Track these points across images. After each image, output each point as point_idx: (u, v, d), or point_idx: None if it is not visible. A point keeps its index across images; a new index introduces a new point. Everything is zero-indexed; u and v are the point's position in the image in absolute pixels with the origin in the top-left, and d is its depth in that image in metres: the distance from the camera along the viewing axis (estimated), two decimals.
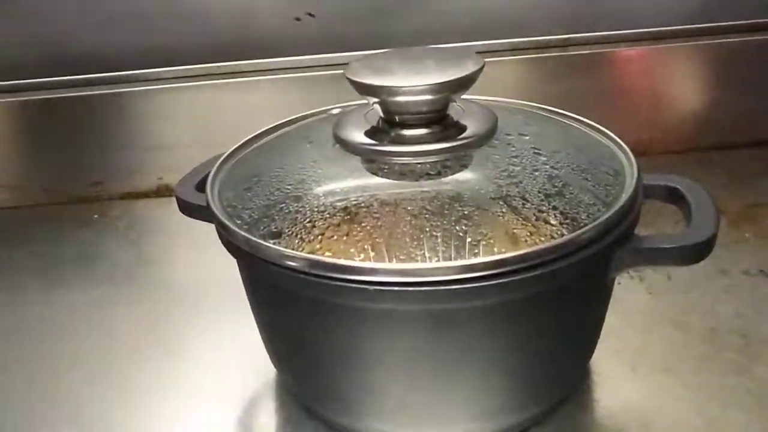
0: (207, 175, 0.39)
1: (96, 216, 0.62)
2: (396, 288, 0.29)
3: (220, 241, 0.35)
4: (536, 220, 0.32)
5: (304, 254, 0.31)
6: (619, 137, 0.39)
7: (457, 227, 0.31)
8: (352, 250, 0.31)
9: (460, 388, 0.33)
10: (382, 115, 0.37)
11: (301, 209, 0.34)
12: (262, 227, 0.33)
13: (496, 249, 0.31)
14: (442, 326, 0.31)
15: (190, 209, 0.39)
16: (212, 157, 0.41)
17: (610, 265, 0.33)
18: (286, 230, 0.33)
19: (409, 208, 0.32)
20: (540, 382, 0.35)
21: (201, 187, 0.39)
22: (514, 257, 0.30)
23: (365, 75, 0.36)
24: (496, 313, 0.31)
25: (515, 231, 0.31)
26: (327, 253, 0.31)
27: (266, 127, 0.43)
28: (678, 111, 0.65)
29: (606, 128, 0.40)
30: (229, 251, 0.35)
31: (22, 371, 0.44)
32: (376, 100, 0.36)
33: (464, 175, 0.35)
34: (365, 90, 0.36)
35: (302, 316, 0.33)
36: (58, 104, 0.62)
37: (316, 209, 0.33)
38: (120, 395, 0.42)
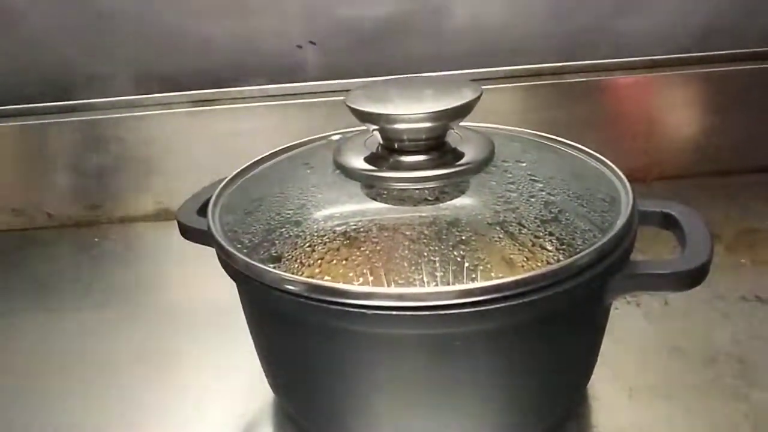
0: (208, 200, 0.39)
1: (96, 239, 0.62)
2: (394, 312, 0.30)
3: (219, 265, 0.36)
4: (533, 245, 0.32)
5: (303, 278, 0.31)
6: (616, 164, 0.39)
7: (455, 252, 0.32)
8: (351, 274, 0.32)
9: (457, 413, 0.33)
10: (381, 141, 0.38)
11: (301, 234, 0.34)
12: (262, 251, 0.34)
13: (493, 274, 0.31)
14: (439, 351, 0.32)
15: (191, 234, 0.39)
16: (213, 182, 0.42)
17: (606, 290, 0.33)
18: (286, 254, 0.33)
19: (407, 233, 0.33)
20: (536, 407, 0.35)
21: (202, 211, 0.39)
22: (511, 282, 0.30)
23: (365, 103, 0.36)
24: (493, 338, 0.32)
25: (512, 256, 0.32)
26: (326, 278, 0.32)
27: (267, 153, 0.43)
28: (674, 138, 0.66)
29: (602, 155, 0.40)
30: (229, 275, 0.35)
31: (18, 395, 0.44)
32: (375, 127, 0.37)
33: (462, 201, 0.35)
34: (365, 117, 0.36)
35: (301, 340, 0.34)
36: (59, 129, 0.63)
37: (315, 234, 0.34)
38: (118, 420, 0.42)
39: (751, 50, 0.64)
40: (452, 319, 0.30)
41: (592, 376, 0.39)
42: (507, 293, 0.30)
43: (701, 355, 0.43)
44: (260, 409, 0.41)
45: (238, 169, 0.42)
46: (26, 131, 0.63)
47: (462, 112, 0.36)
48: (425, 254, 0.32)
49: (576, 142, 0.42)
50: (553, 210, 0.34)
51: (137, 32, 0.63)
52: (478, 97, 0.36)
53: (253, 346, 0.39)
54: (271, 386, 0.40)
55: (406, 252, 0.32)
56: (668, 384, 0.41)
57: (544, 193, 0.35)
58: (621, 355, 0.43)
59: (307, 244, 0.33)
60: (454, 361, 0.32)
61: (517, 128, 0.44)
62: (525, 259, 0.31)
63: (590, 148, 0.41)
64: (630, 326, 0.46)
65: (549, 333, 0.33)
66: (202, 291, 0.52)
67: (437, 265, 0.31)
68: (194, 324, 0.50)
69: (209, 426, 0.41)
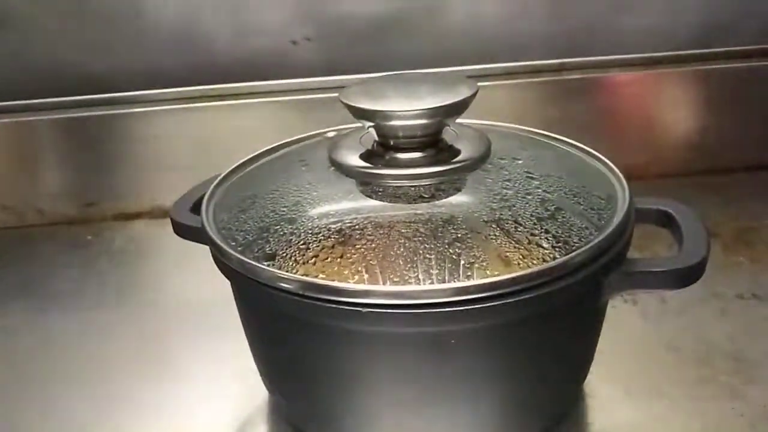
0: (202, 197, 0.39)
1: (89, 237, 0.62)
2: (389, 311, 0.30)
3: (214, 262, 0.35)
4: (528, 243, 0.32)
5: (297, 276, 0.31)
6: (613, 161, 0.39)
7: (450, 250, 0.31)
8: (345, 272, 0.31)
9: (453, 411, 0.33)
10: (377, 138, 0.37)
11: (295, 231, 0.34)
12: (256, 249, 0.34)
13: (488, 272, 0.31)
14: (434, 349, 0.31)
15: (185, 231, 0.39)
16: (207, 179, 0.41)
17: (602, 288, 0.33)
18: (280, 252, 0.33)
19: (402, 230, 0.32)
20: (533, 406, 0.35)
21: (196, 209, 0.39)
22: (506, 280, 0.30)
23: (360, 99, 0.36)
24: (488, 336, 0.31)
25: (508, 254, 0.31)
26: (321, 276, 0.31)
27: (261, 150, 0.43)
28: (672, 135, 0.66)
29: (599, 152, 0.40)
30: (223, 273, 0.35)
31: (12, 393, 0.44)
32: (371, 124, 0.36)
33: (458, 199, 0.35)
34: (360, 114, 0.36)
35: (295, 337, 0.33)
36: (53, 125, 0.63)
37: (310, 231, 0.33)
38: (112, 419, 0.41)
39: (749, 47, 0.64)
40: (448, 317, 0.30)
41: (589, 375, 0.39)
42: (503, 291, 0.30)
43: (697, 353, 0.43)
44: (255, 408, 0.41)
45: (232, 167, 0.41)
46: (19, 127, 0.63)
47: (458, 108, 0.36)
48: (421, 252, 0.31)
49: (573, 140, 0.42)
50: (549, 207, 0.34)
51: (132, 29, 0.63)
52: (474, 94, 0.36)
53: (248, 344, 0.38)
54: (265, 385, 0.39)
55: (402, 250, 0.32)
56: (664, 382, 0.41)
57: (540, 190, 0.35)
58: (618, 353, 0.43)
59: (302, 242, 0.33)
60: (449, 360, 0.32)
61: (513, 125, 0.44)
62: (521, 256, 0.31)
63: (588, 146, 0.41)
64: (627, 324, 0.46)
65: (545, 331, 0.33)
66: (197, 289, 0.52)
67: (433, 262, 0.31)
68: (189, 322, 0.49)
69: (203, 425, 0.41)
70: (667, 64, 0.64)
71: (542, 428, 0.37)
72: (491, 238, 0.32)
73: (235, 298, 0.37)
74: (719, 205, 0.59)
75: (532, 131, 0.43)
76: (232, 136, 0.62)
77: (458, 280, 0.30)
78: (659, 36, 0.65)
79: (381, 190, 0.36)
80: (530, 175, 0.36)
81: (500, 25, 0.64)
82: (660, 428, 0.38)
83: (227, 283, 0.36)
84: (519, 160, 0.38)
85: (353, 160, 0.37)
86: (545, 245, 0.32)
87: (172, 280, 0.56)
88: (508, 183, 0.35)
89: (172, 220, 0.40)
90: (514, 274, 0.30)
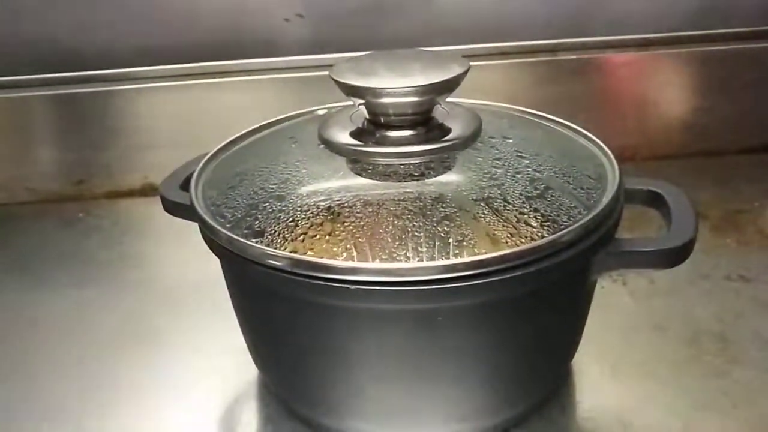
0: (191, 174, 0.38)
1: (80, 215, 0.62)
2: (377, 288, 0.30)
3: (203, 240, 0.35)
4: (517, 221, 0.32)
5: (285, 253, 0.31)
6: (606, 142, 0.39)
7: (439, 228, 0.31)
8: (334, 249, 0.31)
9: (441, 388, 0.34)
10: (367, 116, 0.37)
11: (284, 208, 0.34)
12: (244, 226, 0.33)
13: (477, 250, 0.31)
14: (423, 326, 0.32)
15: (174, 208, 0.39)
16: (197, 156, 0.41)
17: (591, 267, 0.33)
18: (269, 229, 0.33)
19: (391, 208, 0.32)
20: (520, 383, 0.36)
21: (185, 186, 0.39)
22: (494, 258, 0.30)
23: (350, 76, 0.36)
24: (477, 314, 0.32)
25: (496, 232, 0.31)
26: (309, 253, 0.31)
27: (251, 127, 0.43)
28: (665, 117, 0.66)
29: (593, 133, 0.40)
30: (212, 250, 0.35)
31: (1, 370, 0.44)
32: (361, 101, 0.36)
33: (447, 177, 0.35)
34: (350, 91, 0.36)
35: (284, 315, 0.33)
36: (44, 101, 0.62)
37: (299, 209, 0.33)
38: (101, 395, 0.41)
39: (745, 29, 0.64)
40: (435, 295, 0.30)
41: (577, 353, 0.39)
42: (491, 269, 0.30)
43: (684, 333, 0.44)
44: (245, 385, 0.41)
45: (222, 144, 0.41)
46: (9, 104, 0.62)
47: (449, 86, 0.36)
48: (409, 230, 0.31)
49: (568, 120, 0.42)
50: (538, 186, 0.34)
51: (124, 5, 0.62)
52: (466, 72, 0.36)
53: (238, 322, 0.38)
54: (255, 362, 0.40)
55: (390, 227, 0.32)
56: (651, 361, 0.42)
57: (530, 169, 0.35)
58: (606, 332, 0.44)
59: (291, 219, 0.33)
60: (437, 337, 0.32)
61: (505, 105, 0.44)
62: (509, 235, 0.31)
63: (582, 127, 0.41)
64: (615, 304, 0.47)
65: (533, 309, 0.33)
66: (187, 267, 0.52)
67: (421, 240, 0.31)
68: (179, 300, 0.49)
69: (193, 402, 0.41)
70: (662, 46, 0.64)
71: (530, 406, 0.37)
72: (480, 217, 0.32)
73: (224, 276, 0.37)
74: (710, 187, 0.60)
75: (523, 111, 0.43)
76: (224, 114, 0.62)
77: (446, 258, 0.30)
78: (655, 17, 0.65)
79: (370, 167, 0.35)
80: (520, 154, 0.36)
81: (495, 5, 0.64)
82: (646, 407, 0.39)
83: (217, 261, 0.36)
84: (509, 139, 0.38)
85: (343, 137, 0.37)
86: (534, 224, 0.32)
87: (162, 259, 0.56)
88: (498, 162, 0.35)
89: (161, 196, 0.40)
90: (501, 252, 0.30)
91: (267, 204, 0.34)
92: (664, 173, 0.63)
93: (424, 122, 0.37)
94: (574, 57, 0.64)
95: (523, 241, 0.31)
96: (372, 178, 0.35)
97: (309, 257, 0.31)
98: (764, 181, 0.59)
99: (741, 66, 0.64)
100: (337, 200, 0.33)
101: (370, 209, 0.33)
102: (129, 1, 0.62)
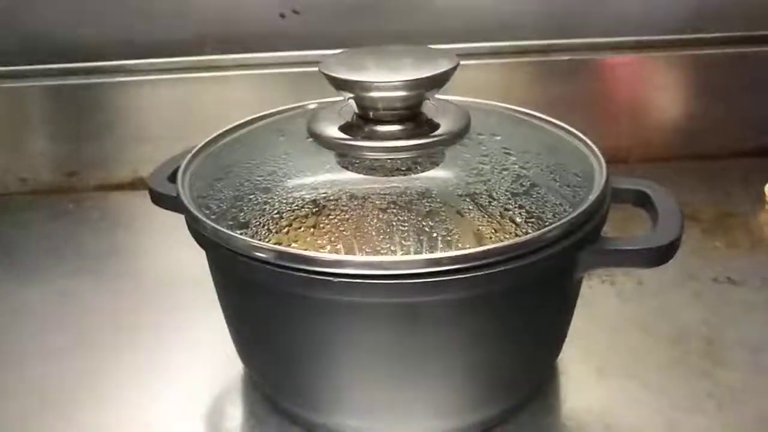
0: (179, 166, 0.38)
1: (70, 206, 0.61)
2: (360, 281, 0.30)
3: (189, 231, 0.35)
4: (501, 218, 0.32)
5: (268, 245, 0.31)
6: (599, 144, 0.39)
7: (424, 222, 0.31)
8: (318, 242, 0.31)
9: (424, 383, 0.33)
10: (356, 110, 0.37)
11: (269, 201, 0.34)
12: (230, 218, 0.33)
13: (460, 245, 0.31)
14: (406, 320, 0.32)
15: (161, 200, 0.39)
16: (186, 149, 0.41)
17: (575, 264, 0.33)
18: (254, 221, 0.33)
19: (377, 202, 0.32)
20: (504, 380, 0.35)
21: (173, 178, 0.39)
22: (478, 253, 0.30)
23: (339, 70, 0.36)
24: (460, 308, 0.32)
25: (480, 228, 0.31)
26: (293, 245, 0.31)
27: (241, 121, 0.43)
28: (658, 120, 0.66)
29: (584, 134, 0.40)
30: (197, 241, 0.35)
31: None
32: (350, 95, 0.36)
33: (434, 172, 0.35)
34: (339, 84, 0.36)
35: (267, 307, 0.33)
36: (35, 93, 0.62)
37: (284, 201, 0.33)
38: (87, 387, 0.41)
39: (739, 34, 0.64)
40: (418, 288, 0.30)
41: (563, 353, 0.39)
42: (474, 263, 0.30)
43: (670, 334, 0.44)
44: (232, 378, 0.41)
45: (210, 137, 0.41)
46: (4, 94, 0.62)
47: (437, 81, 0.36)
48: (394, 224, 0.31)
49: (559, 120, 0.42)
50: (524, 183, 0.34)
51: None
52: (455, 68, 0.36)
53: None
54: (239, 355, 0.39)
55: (375, 221, 0.32)
56: (636, 362, 0.42)
57: (516, 166, 0.35)
58: (592, 332, 0.44)
59: (276, 211, 0.33)
60: (420, 332, 0.32)
61: (495, 103, 0.44)
62: (493, 231, 0.31)
63: (574, 127, 0.41)
64: (603, 304, 0.47)
65: (517, 306, 0.33)
66: (176, 260, 0.51)
67: (406, 234, 0.31)
68: (167, 293, 0.49)
69: (178, 394, 0.41)
70: (656, 48, 0.64)
71: (513, 404, 0.37)
72: (465, 212, 0.32)
73: (210, 267, 0.37)
74: (702, 190, 0.60)
75: (513, 109, 0.43)
76: (217, 109, 0.62)
77: (429, 252, 0.30)
78: (648, 20, 0.65)
79: (358, 162, 0.35)
80: (507, 151, 0.36)
81: (489, 4, 0.64)
82: (630, 407, 0.39)
83: (205, 255, 0.35)
84: (497, 136, 0.38)
85: (331, 131, 0.37)
86: (518, 220, 0.32)
87: (152, 251, 0.55)
88: (485, 158, 0.35)
89: (149, 188, 0.40)
90: (484, 248, 0.30)
91: (253, 196, 0.34)
92: (656, 175, 0.63)
93: (412, 117, 0.37)
94: (567, 58, 0.64)
95: (507, 237, 0.31)
96: (358, 172, 0.35)
97: (292, 249, 0.31)
98: (756, 185, 0.59)
99: (736, 69, 0.64)
100: (323, 193, 0.33)
101: (356, 203, 0.33)
102: None
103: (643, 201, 0.37)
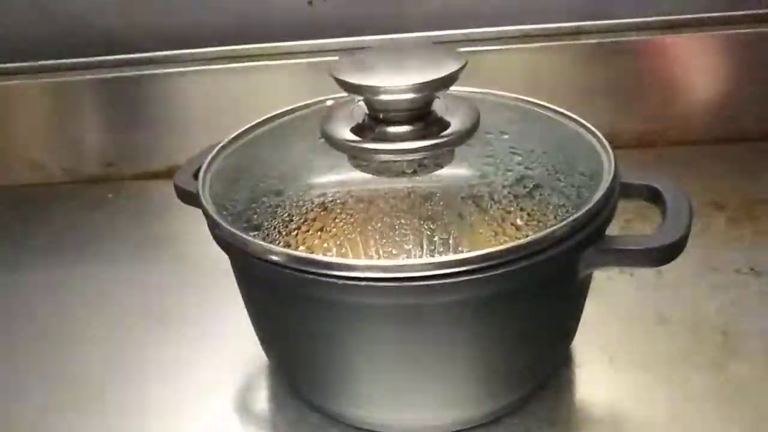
0: (201, 165, 0.40)
1: (110, 195, 0.64)
2: (362, 283, 0.31)
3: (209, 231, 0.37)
4: (503, 220, 0.32)
5: (276, 247, 0.32)
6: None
7: (426, 226, 0.32)
8: (325, 244, 0.33)
9: (430, 379, 0.35)
10: (366, 111, 0.38)
11: (281, 203, 0.35)
12: (245, 219, 0.35)
13: (462, 248, 0.32)
14: (411, 320, 0.33)
15: (186, 197, 0.41)
16: (211, 144, 0.43)
17: (579, 264, 0.33)
18: (266, 223, 0.34)
19: (381, 205, 0.34)
20: (511, 378, 0.36)
21: (197, 175, 0.40)
22: (479, 256, 0.30)
23: (348, 73, 0.36)
24: (464, 309, 0.32)
25: (482, 231, 0.32)
26: (301, 248, 0.33)
27: (263, 117, 0.44)
28: (688, 102, 0.64)
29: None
30: (215, 241, 0.36)
31: (27, 344, 0.47)
32: (360, 97, 0.37)
33: (439, 174, 0.36)
34: (349, 88, 0.37)
35: (279, 306, 0.35)
36: (76, 86, 0.65)
37: (294, 203, 0.35)
38: (116, 375, 0.44)
39: None
40: (421, 291, 0.31)
41: (575, 343, 0.40)
42: (476, 266, 0.30)
43: (686, 325, 0.44)
44: (258, 369, 0.43)
45: (232, 135, 0.43)
46: (44, 88, 0.65)
47: (445, 83, 0.36)
48: (397, 227, 0.32)
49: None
50: (528, 185, 0.34)
51: None
52: (462, 68, 0.36)
53: None
54: (261, 345, 0.41)
55: (380, 224, 0.33)
56: (650, 353, 0.42)
57: (521, 167, 0.36)
58: (607, 322, 0.44)
59: (286, 214, 0.34)
60: (426, 331, 0.33)
61: (510, 95, 0.44)
62: (494, 233, 0.32)
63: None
64: (620, 295, 0.47)
65: (522, 305, 0.33)
66: (209, 251, 0.53)
67: (409, 237, 0.32)
68: (200, 283, 0.51)
69: (206, 384, 0.42)
70: (686, 28, 0.62)
71: (519, 397, 0.38)
72: (467, 215, 0.33)
73: (230, 265, 0.39)
74: (730, 176, 0.58)
75: (527, 101, 0.43)
76: (249, 98, 0.63)
77: (432, 255, 0.31)
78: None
79: (366, 163, 0.36)
80: (514, 150, 0.37)
81: None
82: (641, 398, 0.39)
83: None
84: (506, 134, 0.38)
85: (343, 132, 0.38)
86: (520, 222, 0.33)
87: (184, 240, 0.57)
88: (490, 159, 0.36)
89: (175, 185, 0.41)
90: (486, 250, 0.30)
91: (265, 198, 0.36)
92: (686, 160, 0.62)
93: (422, 117, 0.37)
94: (596, 41, 0.63)
95: (508, 239, 0.32)
96: (366, 174, 0.36)
97: (298, 252, 0.32)
98: None
99: (766, 49, 0.62)
100: (330, 196, 0.35)
101: (361, 206, 0.34)
102: None
103: (654, 197, 0.37)
